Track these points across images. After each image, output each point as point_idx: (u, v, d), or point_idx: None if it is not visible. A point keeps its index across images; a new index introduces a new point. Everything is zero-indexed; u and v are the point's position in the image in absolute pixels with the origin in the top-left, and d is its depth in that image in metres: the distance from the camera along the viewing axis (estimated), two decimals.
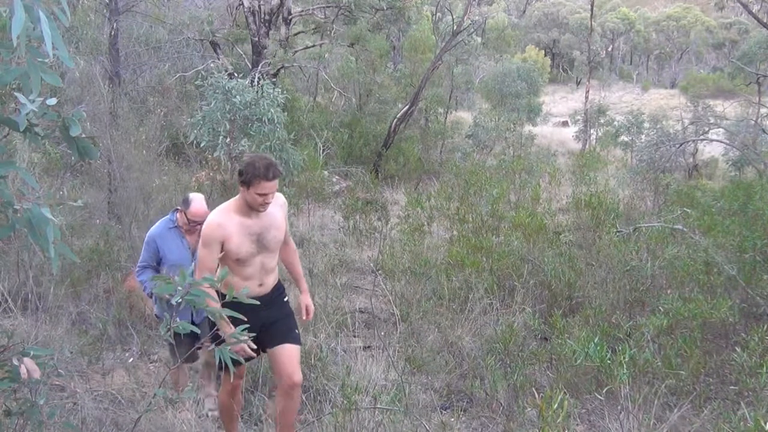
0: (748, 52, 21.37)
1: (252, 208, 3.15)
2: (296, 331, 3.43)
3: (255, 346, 3.15)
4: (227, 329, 2.91)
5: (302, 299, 3.58)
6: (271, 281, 3.35)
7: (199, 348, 3.64)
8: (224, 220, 3.15)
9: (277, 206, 3.30)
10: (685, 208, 7.16)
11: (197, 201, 3.92)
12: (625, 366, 3.54)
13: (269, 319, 3.31)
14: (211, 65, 11.99)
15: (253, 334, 2.77)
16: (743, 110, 17.13)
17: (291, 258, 3.60)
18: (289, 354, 3.33)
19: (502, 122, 16.58)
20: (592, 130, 21.11)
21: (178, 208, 4.00)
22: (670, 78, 46.40)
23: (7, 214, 1.71)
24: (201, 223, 3.53)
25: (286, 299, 3.48)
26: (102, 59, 10.70)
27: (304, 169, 10.04)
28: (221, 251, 3.15)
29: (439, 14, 20.48)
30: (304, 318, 3.56)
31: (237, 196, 3.22)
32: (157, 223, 4.07)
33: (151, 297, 4.00)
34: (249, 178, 3.05)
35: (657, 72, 49.51)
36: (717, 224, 6.04)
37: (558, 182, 9.91)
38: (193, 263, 3.58)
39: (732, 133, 14.05)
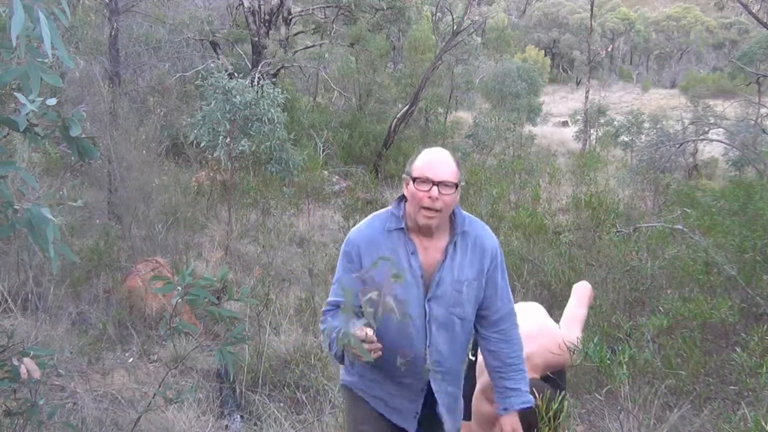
0: (748, 52, 21.36)
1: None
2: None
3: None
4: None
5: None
6: None
7: None
8: None
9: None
10: (685, 208, 7.15)
11: (436, 152, 2.05)
12: (625, 366, 3.53)
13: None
14: (211, 65, 11.99)
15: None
16: (743, 110, 17.10)
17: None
18: None
19: (502, 122, 16.59)
20: (592, 130, 21.10)
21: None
22: (670, 78, 46.35)
23: (7, 214, 1.71)
24: (448, 196, 1.95)
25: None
26: (102, 59, 10.70)
27: (304, 169, 10.05)
28: None
29: (439, 14, 20.49)
30: None
31: None
32: (364, 221, 2.23)
33: (342, 361, 2.14)
34: None
35: (657, 72, 49.45)
36: (717, 224, 6.03)
37: (558, 182, 9.92)
38: (429, 303, 2.06)
39: (732, 133, 14.02)
